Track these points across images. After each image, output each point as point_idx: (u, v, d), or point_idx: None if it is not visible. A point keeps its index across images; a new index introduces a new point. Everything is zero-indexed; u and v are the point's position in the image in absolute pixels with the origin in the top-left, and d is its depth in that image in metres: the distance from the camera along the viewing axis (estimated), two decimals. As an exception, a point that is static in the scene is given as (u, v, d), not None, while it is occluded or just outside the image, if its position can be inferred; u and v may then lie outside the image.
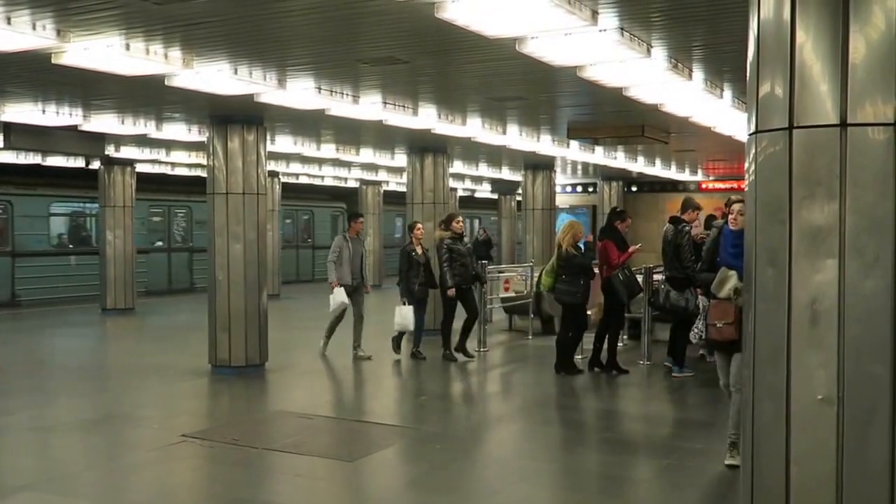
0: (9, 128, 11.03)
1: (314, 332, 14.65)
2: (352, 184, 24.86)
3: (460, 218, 11.15)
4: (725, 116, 10.00)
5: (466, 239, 11.33)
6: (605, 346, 10.12)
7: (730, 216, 6.22)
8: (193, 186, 20.21)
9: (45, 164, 16.81)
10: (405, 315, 10.79)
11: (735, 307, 5.88)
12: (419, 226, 11.33)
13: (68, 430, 7.76)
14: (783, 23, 3.27)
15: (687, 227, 9.65)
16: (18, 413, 8.34)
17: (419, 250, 11.01)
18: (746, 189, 3.54)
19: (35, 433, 7.62)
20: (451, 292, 10.71)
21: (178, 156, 16.15)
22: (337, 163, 18.46)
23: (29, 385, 9.76)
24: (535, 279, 13.04)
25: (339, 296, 10.94)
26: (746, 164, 3.52)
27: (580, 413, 8.81)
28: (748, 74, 3.50)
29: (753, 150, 3.42)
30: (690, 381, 9.48)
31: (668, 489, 6.07)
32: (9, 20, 5.94)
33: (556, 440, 7.59)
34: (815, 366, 3.19)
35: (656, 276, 10.60)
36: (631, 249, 10.08)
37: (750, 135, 3.46)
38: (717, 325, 6.07)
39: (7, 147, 12.55)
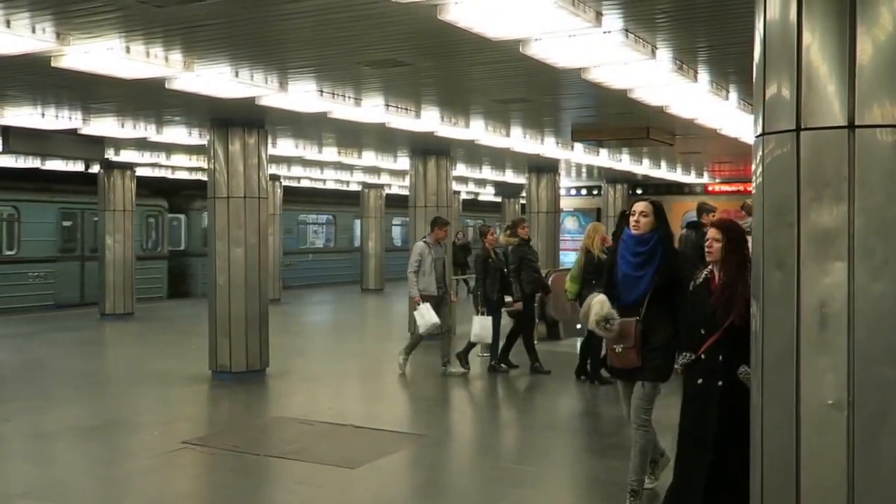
0: (7, 131, 11.02)
1: (315, 338, 14.64)
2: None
3: (527, 223, 10.71)
4: (731, 118, 9.96)
5: (533, 242, 10.82)
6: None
7: (631, 218, 5.32)
8: None
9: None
10: (485, 325, 10.00)
11: (636, 326, 5.16)
12: (492, 230, 10.74)
13: (67, 436, 7.71)
14: (789, 24, 3.22)
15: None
16: (17, 419, 8.29)
17: (494, 256, 10.36)
18: (753, 191, 3.49)
19: (33, 440, 7.57)
20: (518, 306, 10.16)
21: (179, 159, 16.12)
22: (339, 166, 18.43)
23: (27, 391, 9.72)
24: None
25: (429, 315, 9.84)
26: (753, 166, 3.47)
27: (585, 419, 8.74)
28: (754, 76, 3.45)
29: (760, 152, 3.38)
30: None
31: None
32: (8, 23, 5.91)
33: (561, 446, 7.53)
34: (825, 370, 3.14)
35: None
36: None
37: (757, 136, 3.42)
38: (617, 350, 5.25)
39: (6, 151, 12.51)
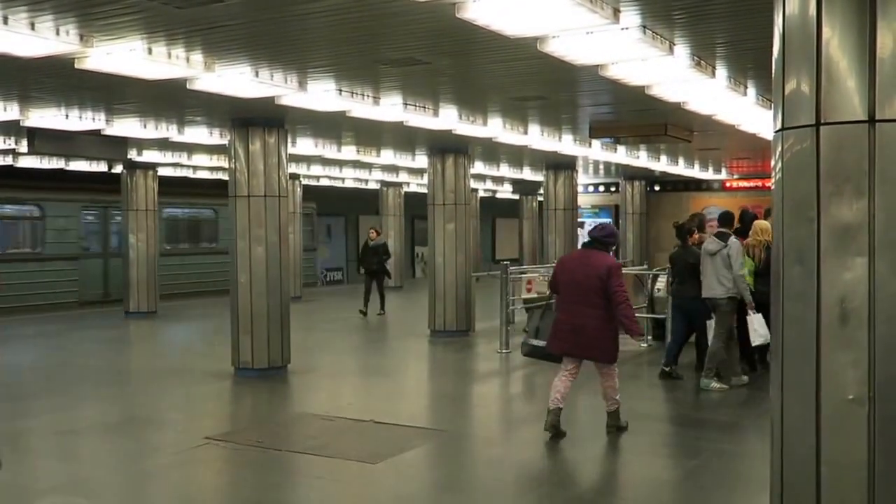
0: (33, 133, 11.15)
1: (336, 335, 14.68)
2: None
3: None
4: (749, 114, 9.91)
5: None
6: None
7: None
8: None
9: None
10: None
11: None
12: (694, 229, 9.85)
13: (92, 433, 7.81)
14: (809, 18, 3.22)
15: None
16: (43, 416, 8.40)
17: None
18: (773, 187, 3.50)
19: (59, 436, 7.67)
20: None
21: (200, 159, 16.24)
22: (357, 164, 18.49)
23: (53, 388, 9.83)
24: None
25: (762, 326, 8.65)
26: (773, 162, 3.47)
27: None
28: (774, 71, 3.45)
29: (780, 148, 3.38)
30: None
31: (694, 490, 6.01)
32: (32, 26, 5.99)
33: (581, 441, 7.53)
34: (845, 365, 3.14)
35: None
36: None
37: (776, 132, 3.41)
38: None
39: (31, 152, 12.68)
